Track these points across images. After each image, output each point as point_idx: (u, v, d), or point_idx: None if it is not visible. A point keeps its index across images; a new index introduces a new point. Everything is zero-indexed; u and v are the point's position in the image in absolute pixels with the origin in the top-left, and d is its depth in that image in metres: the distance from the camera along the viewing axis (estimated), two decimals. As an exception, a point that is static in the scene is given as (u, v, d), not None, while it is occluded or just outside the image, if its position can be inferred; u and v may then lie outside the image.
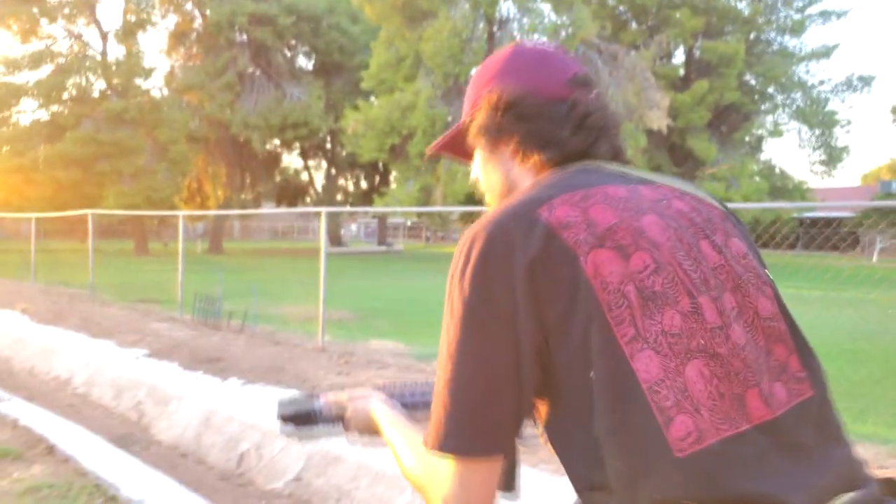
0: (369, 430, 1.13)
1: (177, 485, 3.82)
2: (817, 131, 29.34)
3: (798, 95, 28.89)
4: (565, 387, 0.80)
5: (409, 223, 51.92)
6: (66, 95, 28.03)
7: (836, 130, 29.42)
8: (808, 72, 30.84)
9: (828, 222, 31.17)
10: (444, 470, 0.81)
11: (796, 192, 28.42)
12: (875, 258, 27.88)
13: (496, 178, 1.01)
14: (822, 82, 31.60)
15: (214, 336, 7.18)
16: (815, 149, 30.18)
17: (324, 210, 6.76)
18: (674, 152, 27.00)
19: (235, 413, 4.75)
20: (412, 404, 1.13)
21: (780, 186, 28.27)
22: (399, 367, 5.61)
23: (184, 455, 4.57)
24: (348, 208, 24.27)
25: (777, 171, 29.68)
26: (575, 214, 0.83)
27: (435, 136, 22.25)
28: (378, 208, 21.32)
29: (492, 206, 0.98)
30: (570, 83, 0.96)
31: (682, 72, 26.44)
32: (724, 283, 0.83)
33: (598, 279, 0.78)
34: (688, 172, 26.73)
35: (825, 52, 28.16)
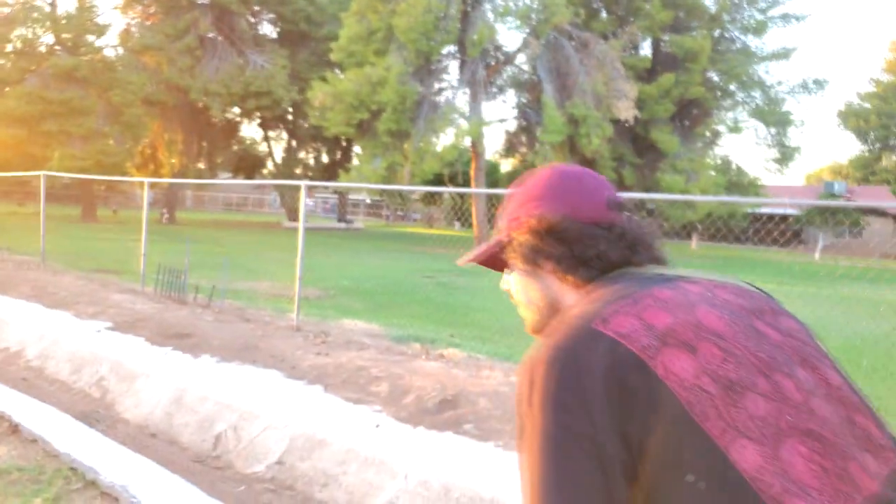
0: None
1: (160, 468, 3.64)
2: (773, 130, 30.07)
3: (757, 94, 29.51)
4: (659, 496, 0.77)
5: (369, 200, 51.41)
6: (9, 48, 26.57)
7: (791, 130, 30.26)
8: (767, 72, 31.56)
9: (782, 218, 32.25)
10: None
11: (751, 188, 29.17)
12: (818, 255, 28.98)
13: (535, 293, 1.05)
14: (779, 83, 32.47)
15: (181, 310, 6.91)
16: (769, 146, 30.99)
17: (303, 184, 6.53)
18: (637, 143, 27.32)
19: (210, 392, 4.56)
20: None
21: (736, 182, 28.98)
22: (378, 348, 5.50)
23: (153, 435, 4.37)
24: (325, 182, 23.81)
25: (734, 166, 30.39)
26: (631, 322, 0.84)
27: (405, 113, 22.04)
28: (353, 184, 20.90)
29: (528, 319, 1.07)
30: (606, 206, 1.01)
31: (649, 64, 26.67)
32: (791, 358, 0.84)
33: (673, 379, 0.78)
34: (649, 164, 27.15)
35: (784, 54, 28.79)
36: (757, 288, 0.97)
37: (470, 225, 25.98)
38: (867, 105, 44.21)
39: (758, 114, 28.92)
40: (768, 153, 31.85)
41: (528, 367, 0.86)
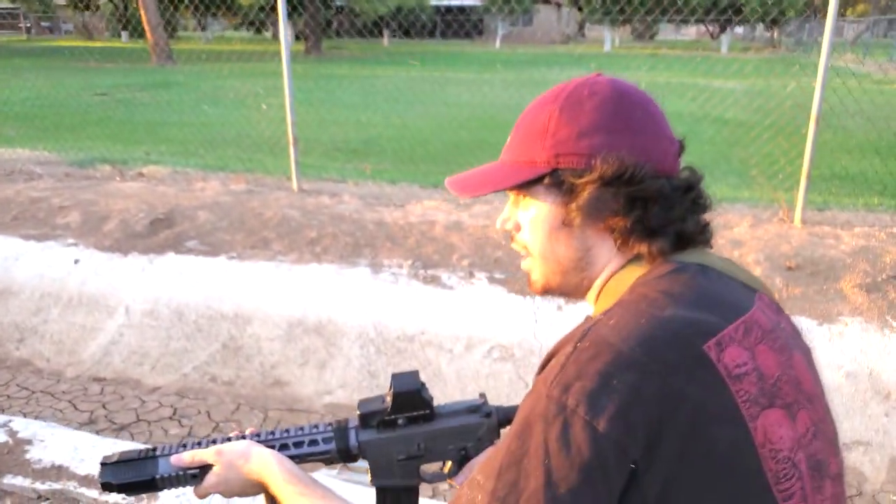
0: (251, 493, 0.93)
1: None
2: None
3: None
4: None
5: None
6: None
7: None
8: None
9: (460, 10, 33.56)
10: None
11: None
12: (498, 44, 31.32)
13: (565, 250, 0.81)
14: None
15: None
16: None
17: None
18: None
19: None
20: (298, 457, 0.93)
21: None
22: (55, 176, 4.54)
23: None
24: None
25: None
26: (745, 360, 0.69)
27: None
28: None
29: (539, 273, 0.85)
30: (677, 154, 0.80)
31: None
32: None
33: (768, 447, 0.67)
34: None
35: None
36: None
37: (140, 34, 22.46)
38: None
39: None
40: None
41: (583, 349, 0.67)
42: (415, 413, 0.94)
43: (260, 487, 0.92)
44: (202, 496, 0.94)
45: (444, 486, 3.17)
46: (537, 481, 0.65)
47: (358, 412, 0.94)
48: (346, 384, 2.84)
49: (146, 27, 19.65)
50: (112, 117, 8.57)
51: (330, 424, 0.96)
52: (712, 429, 0.65)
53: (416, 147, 5.97)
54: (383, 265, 3.19)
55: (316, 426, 0.96)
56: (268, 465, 0.91)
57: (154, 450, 0.93)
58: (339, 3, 27.31)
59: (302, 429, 0.96)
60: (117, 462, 0.93)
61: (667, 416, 0.64)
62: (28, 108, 8.95)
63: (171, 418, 2.64)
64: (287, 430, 0.96)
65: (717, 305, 0.72)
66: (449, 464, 0.99)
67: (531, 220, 0.83)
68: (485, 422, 1.00)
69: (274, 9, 8.82)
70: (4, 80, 12.40)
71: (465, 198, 0.91)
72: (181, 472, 0.93)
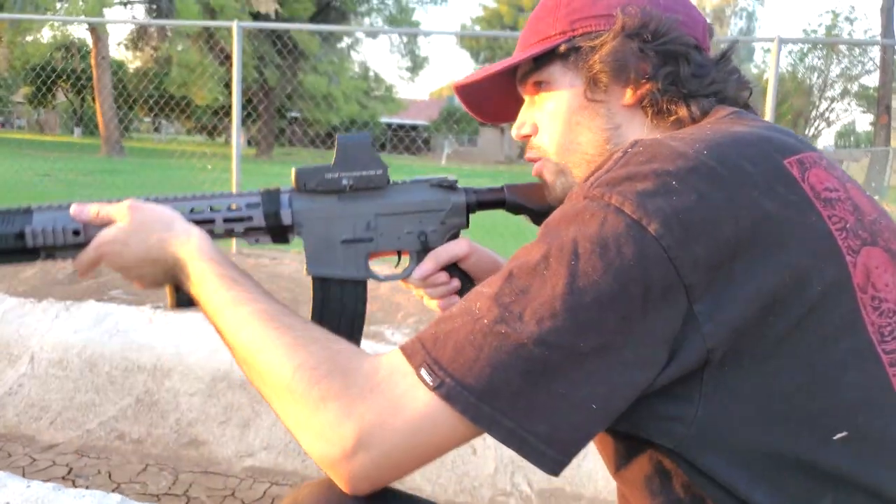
0: (151, 274, 0.72)
1: None
2: (405, 38, 32.03)
3: (391, 1, 30.88)
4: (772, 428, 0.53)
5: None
6: None
7: (420, 40, 32.63)
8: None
9: (412, 127, 34.99)
10: (413, 403, 0.53)
11: (388, 95, 30.89)
12: (444, 161, 32.52)
13: (590, 134, 0.70)
14: (410, -8, 34.43)
15: None
16: (402, 55, 33.03)
17: None
18: (278, 42, 26.45)
19: None
20: (212, 232, 0.73)
21: (375, 88, 30.36)
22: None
23: None
24: None
25: (371, 73, 31.68)
26: (836, 185, 0.56)
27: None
28: None
29: (559, 177, 0.73)
30: (707, 32, 0.71)
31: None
32: None
33: (870, 294, 0.53)
34: (292, 66, 26.60)
35: (414, -35, 30.48)
36: None
37: (92, 131, 22.48)
38: (477, 27, 49.94)
39: (392, 21, 30.30)
40: (401, 62, 33.98)
41: (636, 153, 0.54)
42: (364, 173, 0.75)
43: (164, 273, 0.71)
44: (85, 265, 0.70)
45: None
46: (555, 288, 0.50)
47: (293, 169, 0.74)
48: (271, 446, 2.58)
49: (100, 119, 19.70)
50: (51, 193, 8.35)
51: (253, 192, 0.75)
52: (799, 259, 0.51)
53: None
54: (321, 323, 3.02)
55: (236, 194, 0.75)
56: (195, 243, 0.69)
57: (32, 207, 0.70)
58: (293, 114, 28.13)
59: (215, 194, 0.74)
60: None
61: (737, 235, 0.49)
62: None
63: (64, 478, 2.32)
64: (193, 195, 0.73)
65: (791, 135, 0.60)
66: (404, 259, 0.80)
67: (549, 112, 0.73)
68: (451, 199, 0.80)
69: (228, 114, 8.96)
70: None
71: (468, 83, 0.79)
72: (62, 228, 0.68)
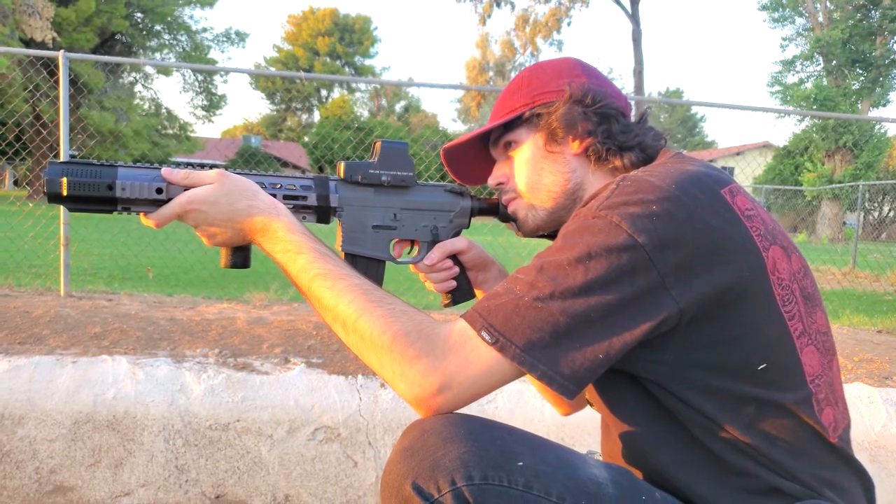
0: (226, 234, 0.84)
1: None
2: (200, 76, 30.73)
3: (184, 38, 29.49)
4: (722, 367, 0.81)
5: None
6: None
7: (217, 78, 31.48)
8: (192, 17, 31.82)
9: (212, 167, 33.32)
10: (478, 355, 0.77)
11: (182, 133, 29.28)
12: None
13: (553, 178, 0.95)
14: (205, 29, 33.23)
15: None
16: (197, 93, 31.59)
17: None
18: (53, 75, 23.95)
19: None
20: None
21: (168, 125, 28.65)
22: None
23: None
24: None
25: (164, 110, 29.87)
26: (752, 206, 0.83)
27: None
28: None
29: (530, 214, 0.97)
30: (628, 106, 0.98)
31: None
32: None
33: (776, 275, 0.81)
34: (73, 98, 24.25)
35: (209, 1, 29.52)
36: None
37: None
38: (272, 69, 49.44)
39: (185, 58, 28.98)
40: (197, 100, 32.48)
41: (627, 187, 0.80)
42: (399, 173, 0.92)
43: (239, 235, 0.83)
44: (166, 218, 0.81)
45: None
46: (575, 278, 0.75)
47: (342, 163, 0.90)
48: (150, 482, 2.46)
49: None
50: None
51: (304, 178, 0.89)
52: (735, 256, 0.79)
53: (186, 271, 5.73)
54: (185, 355, 2.93)
55: (292, 175, 0.89)
56: (285, 217, 0.83)
57: (114, 162, 0.78)
58: (71, 152, 25.59)
59: (277, 173, 0.88)
60: (70, 162, 0.74)
61: (696, 242, 0.77)
62: None
63: None
64: (264, 173, 0.87)
65: (721, 171, 0.88)
66: (417, 248, 0.98)
67: (518, 162, 0.97)
68: (460, 203, 0.99)
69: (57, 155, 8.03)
70: None
71: (454, 145, 1.02)
72: (148, 185, 0.77)
